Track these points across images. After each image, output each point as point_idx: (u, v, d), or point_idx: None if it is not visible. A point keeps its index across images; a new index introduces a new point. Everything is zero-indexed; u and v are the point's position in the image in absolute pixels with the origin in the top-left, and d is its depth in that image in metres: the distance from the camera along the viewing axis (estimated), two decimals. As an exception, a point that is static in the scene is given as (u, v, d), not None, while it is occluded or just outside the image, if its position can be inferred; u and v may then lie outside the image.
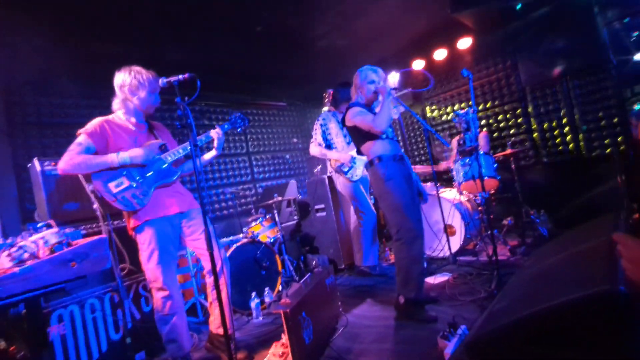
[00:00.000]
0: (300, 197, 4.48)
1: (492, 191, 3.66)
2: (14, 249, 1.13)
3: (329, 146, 3.47)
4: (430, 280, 2.90)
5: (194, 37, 3.51)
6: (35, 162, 2.31)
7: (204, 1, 2.95)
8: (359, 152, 2.56)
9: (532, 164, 4.49)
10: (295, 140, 6.10)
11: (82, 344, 2.09)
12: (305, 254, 3.98)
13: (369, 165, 2.42)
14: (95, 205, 2.27)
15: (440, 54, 5.02)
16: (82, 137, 1.90)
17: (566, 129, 4.27)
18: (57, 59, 3.28)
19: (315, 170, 4.23)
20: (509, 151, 3.57)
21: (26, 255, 1.14)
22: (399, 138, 5.92)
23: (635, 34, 3.88)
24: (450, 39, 4.71)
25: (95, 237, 1.33)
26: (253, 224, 3.51)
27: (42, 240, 1.19)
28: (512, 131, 4.70)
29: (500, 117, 4.81)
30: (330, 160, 3.57)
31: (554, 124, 4.36)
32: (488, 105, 4.90)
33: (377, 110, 2.36)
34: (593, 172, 3.92)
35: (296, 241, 4.06)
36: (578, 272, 1.35)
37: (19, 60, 3.12)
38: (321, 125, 3.52)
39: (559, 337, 1.13)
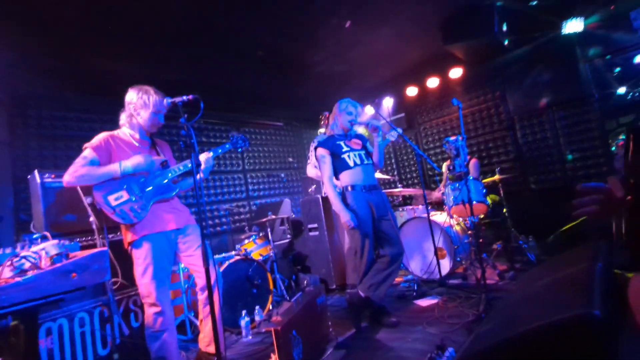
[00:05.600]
0: (293, 215, 4.52)
1: (482, 216, 3.75)
2: (16, 258, 1.17)
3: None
4: (420, 302, 2.93)
5: (196, 57, 3.65)
6: (36, 173, 2.35)
7: (208, 24, 3.10)
8: (337, 178, 2.79)
9: (520, 190, 4.62)
10: (290, 159, 6.20)
11: (68, 359, 2.06)
12: (297, 273, 3.98)
13: (344, 190, 2.71)
14: (92, 218, 2.30)
15: (433, 82, 5.25)
16: (87, 151, 1.96)
17: (553, 157, 4.43)
18: (59, 74, 3.39)
19: (309, 190, 4.30)
20: (497, 177, 3.69)
21: (27, 265, 1.17)
22: (393, 160, 6.06)
23: (617, 69, 4.13)
24: (442, 68, 4.95)
25: (96, 250, 1.36)
26: (246, 241, 3.54)
27: (43, 251, 1.22)
28: (501, 158, 4.86)
29: (490, 144, 4.98)
30: (325, 181, 3.65)
31: (541, 152, 4.53)
32: (479, 132, 5.08)
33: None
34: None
35: (288, 260, 4.07)
36: (558, 297, 1.42)
37: (22, 73, 3.21)
38: (315, 147, 3.63)
39: (540, 359, 1.18)
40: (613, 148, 4.10)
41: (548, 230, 3.87)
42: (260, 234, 3.69)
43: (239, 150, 2.35)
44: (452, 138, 4.04)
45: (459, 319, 2.41)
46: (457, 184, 3.37)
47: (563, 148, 4.34)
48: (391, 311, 2.70)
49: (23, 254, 1.19)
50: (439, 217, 3.65)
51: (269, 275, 3.27)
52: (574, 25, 4.01)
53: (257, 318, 2.95)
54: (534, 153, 4.59)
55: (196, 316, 2.94)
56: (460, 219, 3.75)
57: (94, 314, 2.23)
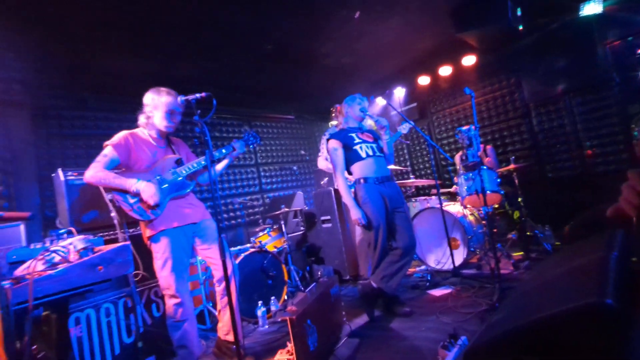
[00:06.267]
0: (306, 208, 4.57)
1: (496, 205, 3.71)
2: (47, 253, 1.24)
3: None
4: (434, 292, 2.95)
5: (206, 53, 3.69)
6: (60, 172, 2.45)
7: (216, 20, 3.13)
8: (349, 172, 2.78)
9: (536, 179, 4.54)
10: (302, 152, 6.24)
11: (96, 346, 2.18)
12: (311, 265, 4.05)
13: (356, 183, 2.72)
14: (113, 214, 2.39)
15: (445, 71, 5.16)
16: (108, 149, 2.04)
17: (570, 145, 4.32)
18: (76, 74, 3.49)
19: (322, 182, 4.33)
20: (512, 166, 3.63)
21: (57, 259, 1.25)
22: (406, 144, 6.01)
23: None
24: (455, 56, 4.85)
25: (119, 244, 1.44)
26: (260, 234, 3.61)
27: (71, 245, 1.30)
28: (516, 146, 4.77)
29: (505, 132, 4.89)
30: (336, 174, 3.67)
31: (558, 140, 4.42)
32: (493, 120, 4.98)
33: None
34: (597, 188, 3.95)
35: (302, 251, 4.14)
36: (572, 285, 1.41)
37: (42, 75, 3.33)
38: (327, 139, 3.65)
39: (552, 347, 1.19)
40: (635, 133, 3.97)
41: (564, 219, 3.80)
42: (274, 227, 3.75)
43: (251, 147, 2.39)
44: (465, 127, 3.98)
45: (473, 309, 2.42)
46: (471, 174, 3.34)
47: (581, 135, 4.22)
48: (404, 301, 2.73)
49: (53, 248, 1.27)
50: (453, 207, 3.63)
51: (283, 266, 3.34)
52: (592, 8, 3.86)
53: (272, 308, 3.03)
54: (550, 141, 4.48)
55: (214, 306, 3.04)
56: (474, 209, 3.72)
57: (118, 305, 2.33)
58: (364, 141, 2.78)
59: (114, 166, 2.05)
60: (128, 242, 1.50)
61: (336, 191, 3.85)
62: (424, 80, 5.44)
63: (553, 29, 4.22)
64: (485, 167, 3.14)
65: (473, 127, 2.82)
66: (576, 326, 1.15)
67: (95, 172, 1.96)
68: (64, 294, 1.18)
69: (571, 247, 2.20)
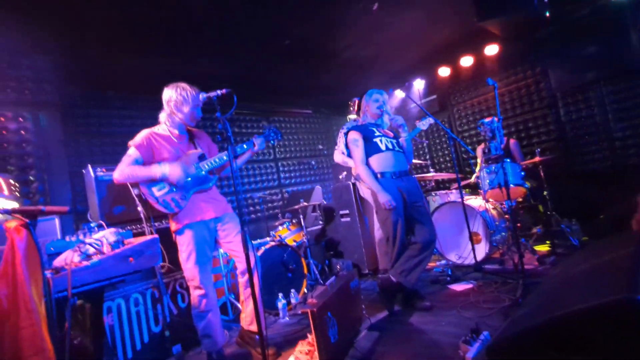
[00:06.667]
0: (325, 202, 4.59)
1: (520, 199, 3.61)
2: (82, 245, 1.32)
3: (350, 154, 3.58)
4: (455, 287, 2.91)
5: (225, 50, 3.74)
6: (89, 168, 2.57)
7: (234, 17, 3.16)
8: (367, 164, 2.74)
9: (563, 172, 4.37)
10: (320, 146, 6.25)
11: (127, 334, 2.29)
12: (330, 258, 4.08)
13: (374, 178, 2.68)
14: (140, 208, 2.48)
15: (466, 61, 5.02)
16: (131, 150, 2.11)
17: (600, 136, 4.13)
18: (100, 73, 3.63)
19: (340, 177, 4.33)
20: (537, 159, 3.52)
21: (91, 251, 1.32)
22: (424, 144, 5.92)
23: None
24: (476, 46, 4.71)
25: (148, 237, 1.50)
26: (280, 227, 3.66)
27: (104, 238, 1.37)
28: (542, 138, 4.61)
29: (530, 124, 4.72)
30: (352, 168, 3.67)
31: (587, 130, 4.23)
32: (517, 112, 4.82)
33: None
34: (629, 181, 3.77)
35: (321, 245, 4.17)
36: (600, 281, 1.37)
37: (70, 75, 3.48)
38: (344, 133, 3.64)
39: (579, 344, 1.17)
40: None
41: (593, 214, 3.66)
42: (293, 221, 3.80)
43: (272, 142, 2.42)
44: (487, 119, 3.88)
45: (495, 304, 2.38)
46: (493, 167, 3.26)
47: (612, 125, 4.03)
48: (424, 295, 2.71)
49: (88, 240, 1.35)
50: (474, 201, 3.56)
51: (303, 260, 3.38)
52: (625, -10, 3.65)
53: (292, 301, 3.08)
54: (578, 132, 4.30)
55: (236, 298, 3.12)
56: (497, 203, 3.64)
57: (146, 295, 2.44)
58: (385, 135, 2.77)
59: (138, 165, 2.12)
60: (156, 236, 1.57)
61: (354, 185, 3.85)
62: (444, 71, 5.32)
63: (582, 15, 4.02)
64: (508, 160, 3.05)
65: (496, 119, 2.74)
66: (604, 323, 1.12)
67: (121, 171, 2.05)
68: (99, 284, 1.25)
69: (600, 242, 2.12)
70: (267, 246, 3.18)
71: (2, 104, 3.10)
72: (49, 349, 0.99)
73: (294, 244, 3.55)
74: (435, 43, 4.51)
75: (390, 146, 2.72)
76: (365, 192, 3.60)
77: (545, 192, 3.56)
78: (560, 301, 1.44)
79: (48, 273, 1.17)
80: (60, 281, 1.15)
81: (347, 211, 3.91)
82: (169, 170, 2.06)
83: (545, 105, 4.56)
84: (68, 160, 3.50)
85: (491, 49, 4.68)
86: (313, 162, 5.61)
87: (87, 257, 1.32)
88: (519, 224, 3.34)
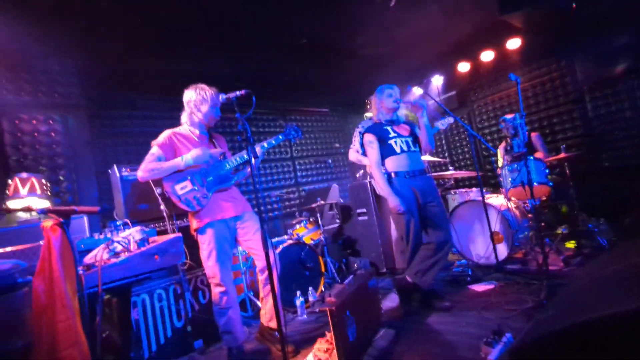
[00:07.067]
0: (342, 201, 4.59)
1: (544, 198, 3.50)
2: (110, 242, 1.38)
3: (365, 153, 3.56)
4: (475, 287, 2.86)
5: (241, 51, 3.79)
6: (115, 168, 2.67)
7: (253, 19, 3.20)
8: (383, 164, 2.75)
9: (590, 169, 4.20)
10: (337, 145, 6.24)
11: (151, 328, 2.37)
12: (347, 257, 4.08)
13: (387, 177, 2.69)
14: (162, 207, 2.56)
15: (487, 56, 4.90)
16: (154, 149, 2.18)
17: (631, 131, 3.95)
18: (123, 76, 3.75)
19: (357, 175, 4.32)
20: (563, 155, 3.39)
21: (119, 248, 1.38)
22: (443, 141, 5.82)
23: None
24: (497, 40, 4.58)
25: (172, 236, 1.55)
26: (297, 226, 3.69)
27: (131, 236, 1.43)
28: (567, 134, 4.44)
29: (554, 119, 4.56)
30: (367, 166, 3.65)
31: (616, 125, 4.05)
32: (540, 107, 4.67)
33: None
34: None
35: (338, 244, 4.18)
36: (631, 284, 1.31)
37: (96, 78, 3.61)
38: (359, 132, 3.62)
39: (607, 349, 1.12)
40: None
41: (623, 212, 3.50)
42: (311, 219, 3.82)
43: (292, 140, 2.44)
44: (509, 116, 3.77)
45: (518, 306, 2.32)
46: (516, 165, 3.17)
47: (644, 120, 3.84)
48: (443, 295, 2.68)
49: (116, 239, 1.40)
50: (495, 199, 3.48)
51: (320, 258, 3.40)
52: (660, -23, 3.46)
53: (310, 298, 3.11)
54: (607, 127, 4.11)
55: (255, 295, 3.17)
56: (520, 202, 3.53)
57: (169, 291, 2.51)
58: (399, 135, 2.74)
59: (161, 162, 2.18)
60: (180, 234, 1.62)
61: (371, 184, 3.83)
62: (463, 66, 5.20)
63: (612, 4, 3.84)
64: (532, 157, 2.96)
65: (519, 116, 2.66)
66: (634, 330, 1.08)
67: (145, 168, 2.11)
68: (127, 280, 1.30)
69: (630, 243, 2.03)
70: (285, 244, 3.22)
71: (34, 107, 3.26)
72: (82, 342, 1.04)
73: (312, 242, 3.57)
74: (454, 38, 4.41)
75: (405, 147, 2.70)
76: (381, 191, 3.58)
77: (571, 190, 3.43)
78: (588, 304, 1.39)
79: (80, 270, 1.23)
80: (91, 277, 1.21)
81: (364, 210, 3.90)
82: (191, 155, 2.13)
83: (571, 99, 4.39)
84: (94, 160, 3.64)
85: (513, 43, 4.54)
86: (329, 161, 5.62)
87: (115, 254, 1.37)
88: (543, 223, 3.23)
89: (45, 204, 2.62)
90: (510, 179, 3.18)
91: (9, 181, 2.62)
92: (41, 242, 2.11)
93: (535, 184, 3.00)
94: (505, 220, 3.24)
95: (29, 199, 2.57)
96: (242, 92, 1.94)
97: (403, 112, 2.95)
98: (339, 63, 4.52)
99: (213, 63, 3.93)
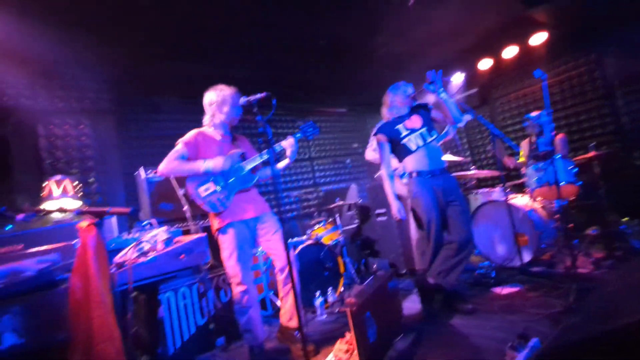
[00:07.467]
0: (360, 201, 4.57)
1: (572, 198, 3.36)
2: (138, 242, 1.44)
3: None
4: (499, 290, 2.79)
5: (262, 54, 3.85)
6: (141, 170, 2.77)
7: (272, 22, 3.24)
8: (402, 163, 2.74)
9: (621, 167, 4.01)
10: (355, 145, 6.22)
11: (176, 325, 2.44)
12: (366, 258, 4.06)
13: (408, 176, 2.69)
14: (186, 207, 2.64)
15: (510, 52, 4.76)
16: (179, 146, 2.25)
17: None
18: (150, 82, 3.88)
19: (375, 175, 4.29)
20: (592, 154, 3.25)
21: (147, 248, 1.44)
22: (464, 140, 5.69)
23: None
24: (521, 36, 4.45)
25: (197, 236, 1.60)
26: (316, 226, 3.70)
27: (158, 236, 1.48)
28: (596, 131, 4.25)
29: (582, 116, 4.38)
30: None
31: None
32: (567, 103, 4.49)
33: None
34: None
35: (356, 244, 4.16)
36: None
37: (123, 83, 3.76)
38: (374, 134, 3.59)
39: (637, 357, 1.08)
40: None
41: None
42: (329, 220, 3.83)
43: (310, 138, 2.44)
44: (534, 114, 3.65)
45: (544, 309, 2.24)
46: (541, 164, 3.07)
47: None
48: (466, 298, 2.62)
49: (144, 239, 1.46)
50: (520, 200, 3.38)
51: (339, 258, 3.40)
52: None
53: (330, 299, 3.12)
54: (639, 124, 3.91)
55: (275, 294, 3.21)
56: (546, 202, 3.41)
57: (192, 289, 2.57)
58: (412, 131, 2.68)
59: (184, 160, 2.24)
60: (204, 234, 1.67)
61: (391, 184, 3.79)
62: (485, 63, 5.07)
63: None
64: (559, 156, 2.86)
65: (546, 113, 2.57)
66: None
67: (167, 164, 2.18)
68: (155, 279, 1.36)
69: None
70: (304, 244, 3.23)
71: (66, 113, 3.43)
72: (116, 337, 1.10)
73: (330, 242, 3.58)
74: (476, 34, 4.31)
75: (420, 142, 2.64)
76: (401, 191, 3.55)
77: (600, 190, 3.29)
78: (620, 310, 1.34)
79: (112, 269, 1.29)
80: (122, 276, 1.27)
81: (383, 210, 3.87)
82: (213, 163, 2.18)
83: (600, 95, 4.20)
84: (121, 162, 3.79)
85: (538, 38, 4.39)
86: (348, 161, 5.60)
87: (143, 253, 1.43)
88: (571, 225, 3.11)
89: (78, 205, 2.75)
90: (535, 179, 3.08)
91: (44, 183, 2.77)
92: (74, 241, 2.22)
93: (562, 183, 2.90)
94: (531, 221, 3.14)
95: (62, 200, 2.71)
96: (263, 94, 1.97)
97: (432, 100, 2.90)
98: (358, 63, 4.51)
99: (232, 66, 4.01)
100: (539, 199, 3.35)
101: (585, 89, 4.33)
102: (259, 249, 3.25)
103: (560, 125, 4.52)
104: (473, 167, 4.05)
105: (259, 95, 1.97)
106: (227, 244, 2.22)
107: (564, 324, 1.66)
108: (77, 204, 2.69)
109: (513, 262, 3.20)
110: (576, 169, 3.08)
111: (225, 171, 2.26)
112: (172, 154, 2.22)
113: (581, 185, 3.11)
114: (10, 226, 2.34)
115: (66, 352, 1.10)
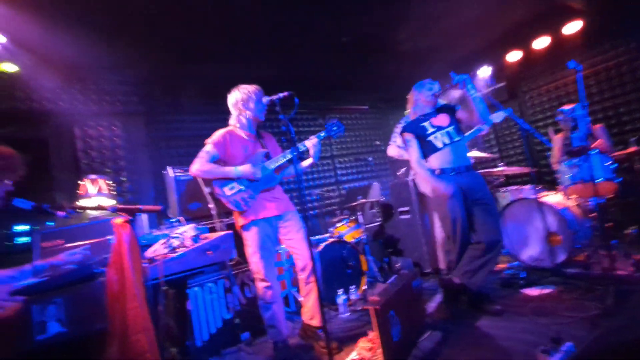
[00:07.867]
0: (383, 199, 4.53)
1: (610, 196, 3.18)
2: (168, 239, 1.50)
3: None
4: (529, 291, 2.68)
5: (284, 53, 3.88)
6: (169, 169, 2.87)
7: (295, 21, 3.26)
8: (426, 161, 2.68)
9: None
10: (377, 142, 6.16)
11: (203, 319, 2.52)
12: (389, 256, 4.02)
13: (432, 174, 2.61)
14: (211, 205, 2.71)
15: (541, 42, 4.54)
16: (209, 146, 2.30)
17: None
18: (176, 83, 4.01)
19: (398, 173, 4.23)
20: (633, 149, 3.06)
21: (176, 244, 1.50)
22: (492, 135, 5.50)
23: None
24: (554, 25, 4.23)
25: (223, 233, 1.64)
26: (338, 224, 3.70)
27: (186, 233, 1.54)
28: (636, 125, 3.99)
29: (621, 109, 4.12)
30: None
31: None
32: (604, 96, 4.24)
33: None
34: None
35: (379, 243, 4.13)
36: None
37: (151, 86, 3.91)
38: (399, 133, 3.54)
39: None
40: None
41: None
42: (351, 218, 3.81)
43: (334, 136, 2.44)
44: (567, 107, 3.46)
45: (579, 312, 2.13)
46: (576, 160, 2.91)
47: None
48: (494, 298, 2.54)
49: (173, 235, 1.52)
50: (552, 197, 3.23)
51: (362, 257, 3.39)
52: None
53: (352, 297, 3.11)
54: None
55: (298, 291, 3.24)
56: (581, 200, 3.24)
57: (218, 284, 2.66)
58: (438, 128, 2.63)
59: (213, 161, 2.30)
60: (230, 231, 1.71)
61: (414, 182, 3.73)
62: (514, 55, 4.87)
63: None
64: (596, 152, 2.70)
65: (582, 106, 2.43)
66: None
67: (201, 166, 2.24)
68: (184, 273, 1.41)
69: None
70: (327, 242, 3.24)
71: (100, 115, 3.61)
72: (150, 328, 1.15)
73: (353, 240, 3.57)
74: (504, 26, 4.15)
75: (447, 140, 2.59)
76: (425, 188, 3.48)
77: (642, 187, 3.09)
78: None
79: (144, 263, 1.35)
80: (153, 270, 1.33)
81: (406, 208, 3.81)
82: (242, 170, 2.23)
83: (642, 86, 3.93)
84: (151, 162, 3.94)
85: (572, 27, 4.16)
86: (370, 159, 5.56)
87: (172, 249, 1.49)
88: (610, 224, 2.94)
89: (111, 202, 2.90)
90: (569, 176, 2.93)
91: (81, 182, 2.93)
92: (109, 237, 2.33)
93: (599, 180, 2.74)
94: (564, 220, 2.99)
95: (97, 198, 2.86)
96: (285, 93, 2.00)
97: (457, 95, 2.82)
98: (380, 59, 4.46)
99: (255, 67, 4.07)
100: (573, 196, 3.18)
101: (624, 79, 4.07)
102: (282, 246, 3.29)
103: (597, 119, 4.27)
104: (502, 163, 3.91)
105: (281, 95, 2.00)
106: (250, 241, 2.27)
107: (601, 328, 1.57)
108: (111, 201, 2.83)
109: (544, 262, 3.07)
110: (615, 165, 2.91)
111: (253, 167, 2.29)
112: (204, 155, 2.27)
113: (620, 182, 2.94)
114: (52, 222, 2.50)
115: (104, 341, 1.17)
